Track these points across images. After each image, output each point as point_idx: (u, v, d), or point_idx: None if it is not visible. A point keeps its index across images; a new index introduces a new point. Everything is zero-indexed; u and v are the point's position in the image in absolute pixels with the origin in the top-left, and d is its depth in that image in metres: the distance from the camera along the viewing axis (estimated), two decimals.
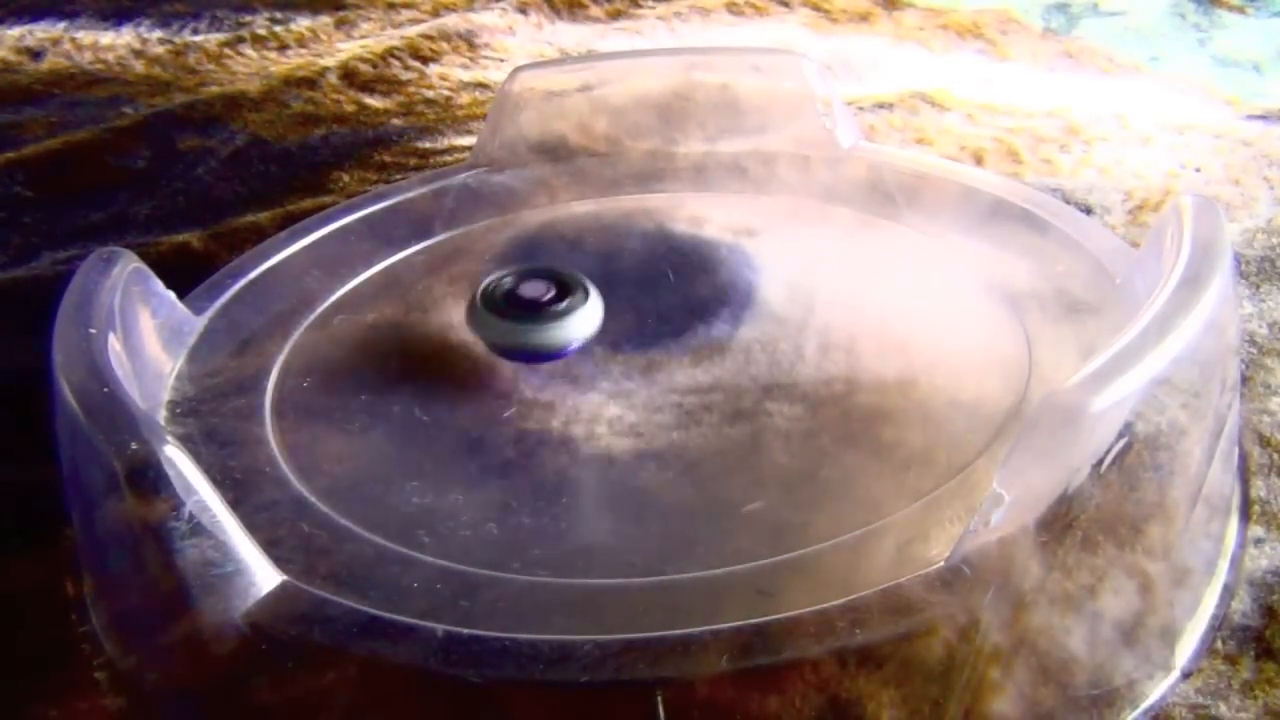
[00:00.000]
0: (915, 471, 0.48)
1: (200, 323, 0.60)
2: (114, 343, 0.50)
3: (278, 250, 0.65)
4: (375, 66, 1.02)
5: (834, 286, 0.59)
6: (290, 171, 0.86)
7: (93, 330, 0.50)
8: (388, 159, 0.87)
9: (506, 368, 0.56)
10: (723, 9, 1.12)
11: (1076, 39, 1.03)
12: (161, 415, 0.54)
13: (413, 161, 0.86)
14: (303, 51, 1.08)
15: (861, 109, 0.86)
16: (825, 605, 0.39)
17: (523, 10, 1.12)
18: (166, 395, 0.55)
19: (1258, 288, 0.65)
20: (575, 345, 0.55)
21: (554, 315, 0.54)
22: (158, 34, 1.13)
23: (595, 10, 1.13)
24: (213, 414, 0.54)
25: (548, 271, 0.57)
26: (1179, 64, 0.97)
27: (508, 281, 0.56)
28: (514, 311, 0.55)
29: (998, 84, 0.92)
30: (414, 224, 0.69)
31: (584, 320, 0.55)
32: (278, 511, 0.48)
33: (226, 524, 0.41)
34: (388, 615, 0.41)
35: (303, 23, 1.13)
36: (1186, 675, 0.44)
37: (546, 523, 0.47)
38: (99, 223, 0.81)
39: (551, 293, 0.55)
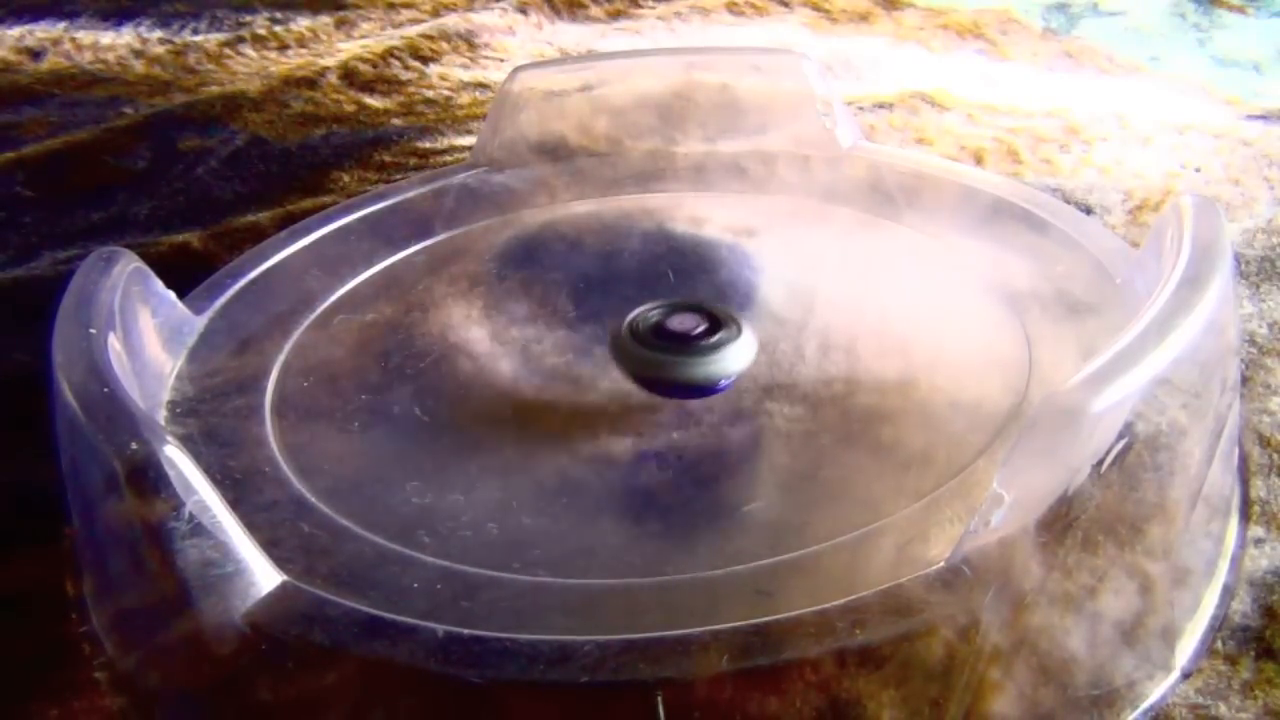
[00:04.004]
0: (915, 471, 0.48)
1: (200, 323, 0.60)
2: (114, 343, 0.50)
3: (278, 250, 0.65)
4: (375, 66, 1.02)
5: (834, 286, 0.59)
6: (290, 171, 0.86)
7: (93, 330, 0.49)
8: (388, 159, 0.87)
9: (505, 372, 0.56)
10: (723, 9, 1.12)
11: (1076, 39, 1.03)
12: (161, 415, 0.54)
13: (413, 161, 0.86)
14: (303, 51, 1.08)
15: (861, 109, 0.86)
16: (825, 605, 0.39)
17: (523, 10, 1.12)
18: (166, 395, 0.55)
19: (1258, 288, 0.65)
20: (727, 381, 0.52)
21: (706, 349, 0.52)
22: (158, 34, 1.13)
23: (595, 10, 1.13)
24: (213, 414, 0.54)
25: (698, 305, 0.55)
26: (1179, 64, 0.97)
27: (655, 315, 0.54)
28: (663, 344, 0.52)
29: (998, 84, 0.92)
30: (414, 224, 0.69)
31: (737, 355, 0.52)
32: (278, 511, 0.48)
33: (226, 524, 0.41)
34: (388, 615, 0.41)
35: (303, 23, 1.13)
36: (1186, 675, 0.44)
37: (546, 523, 0.47)
38: (99, 223, 0.81)
39: (702, 326, 0.53)
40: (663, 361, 0.52)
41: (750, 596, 0.42)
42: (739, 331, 0.53)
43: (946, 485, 0.47)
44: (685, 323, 0.53)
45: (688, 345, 0.52)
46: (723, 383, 0.52)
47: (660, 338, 0.53)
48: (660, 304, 0.54)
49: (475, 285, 0.63)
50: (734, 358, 0.52)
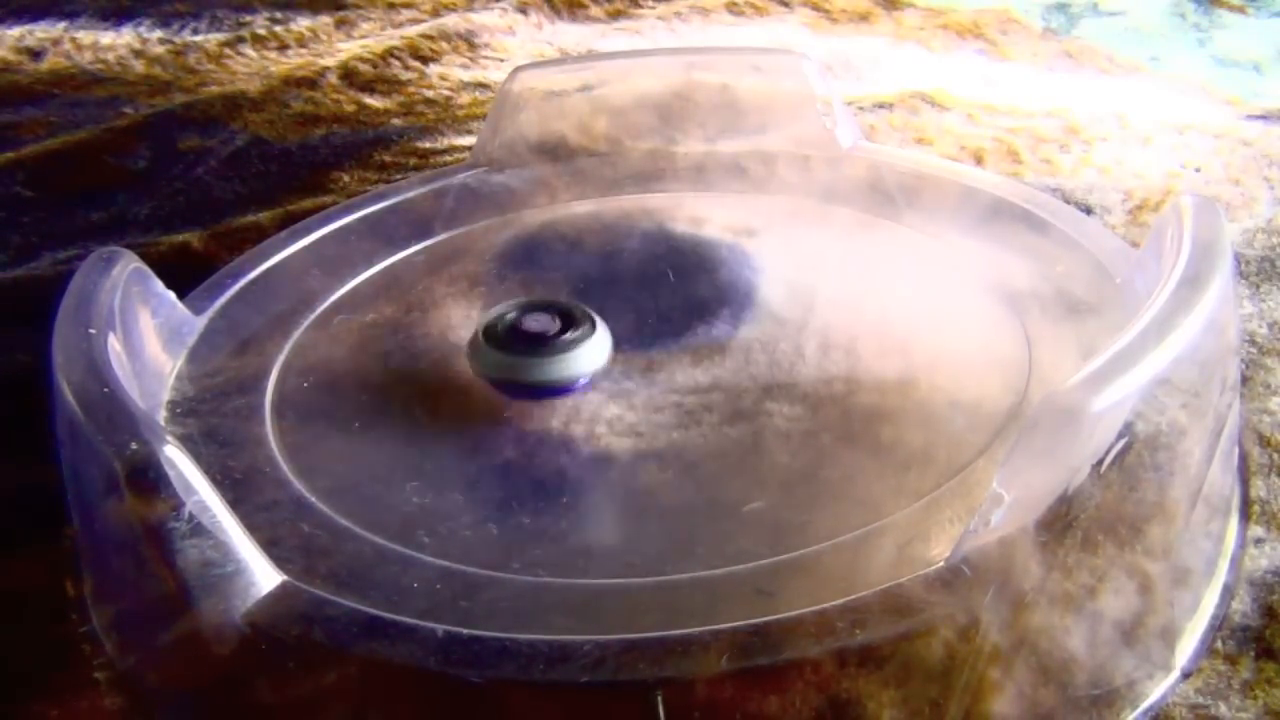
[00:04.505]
0: (915, 471, 0.48)
1: (200, 323, 0.60)
2: (114, 343, 0.50)
3: (278, 250, 0.65)
4: (375, 66, 1.02)
5: (834, 286, 0.59)
6: (290, 171, 0.86)
7: (93, 330, 0.50)
8: (388, 159, 0.87)
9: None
10: (723, 9, 1.12)
11: (1076, 39, 1.03)
12: (161, 415, 0.54)
13: (413, 161, 0.86)
14: (303, 51, 1.08)
15: (861, 109, 0.86)
16: (825, 605, 0.39)
17: (523, 10, 1.12)
18: (166, 395, 0.55)
19: (1258, 288, 0.65)
20: (584, 380, 0.52)
21: (560, 347, 0.52)
22: (158, 34, 1.13)
23: (595, 10, 1.13)
24: (213, 414, 0.54)
25: (552, 304, 0.55)
26: (1179, 64, 0.97)
27: (510, 315, 0.53)
28: (518, 345, 0.52)
29: (998, 84, 0.92)
30: (414, 224, 0.69)
31: (592, 353, 0.52)
32: (278, 511, 0.48)
33: (226, 524, 0.41)
34: (388, 615, 0.41)
35: (303, 23, 1.13)
36: (1186, 675, 0.44)
37: (546, 523, 0.47)
38: (99, 223, 0.81)
39: (557, 325, 0.53)
40: (514, 363, 0.52)
41: (750, 596, 0.42)
42: (593, 329, 0.52)
43: (946, 485, 0.47)
44: (539, 323, 0.53)
45: (541, 346, 0.52)
46: (580, 382, 0.52)
47: (514, 339, 0.52)
48: (514, 304, 0.54)
49: (475, 285, 0.63)
50: (587, 358, 0.52)
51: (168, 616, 0.42)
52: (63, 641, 0.48)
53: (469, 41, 1.06)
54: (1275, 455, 0.54)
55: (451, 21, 1.09)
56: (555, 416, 0.52)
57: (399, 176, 0.82)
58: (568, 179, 0.72)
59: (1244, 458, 0.53)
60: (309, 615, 0.41)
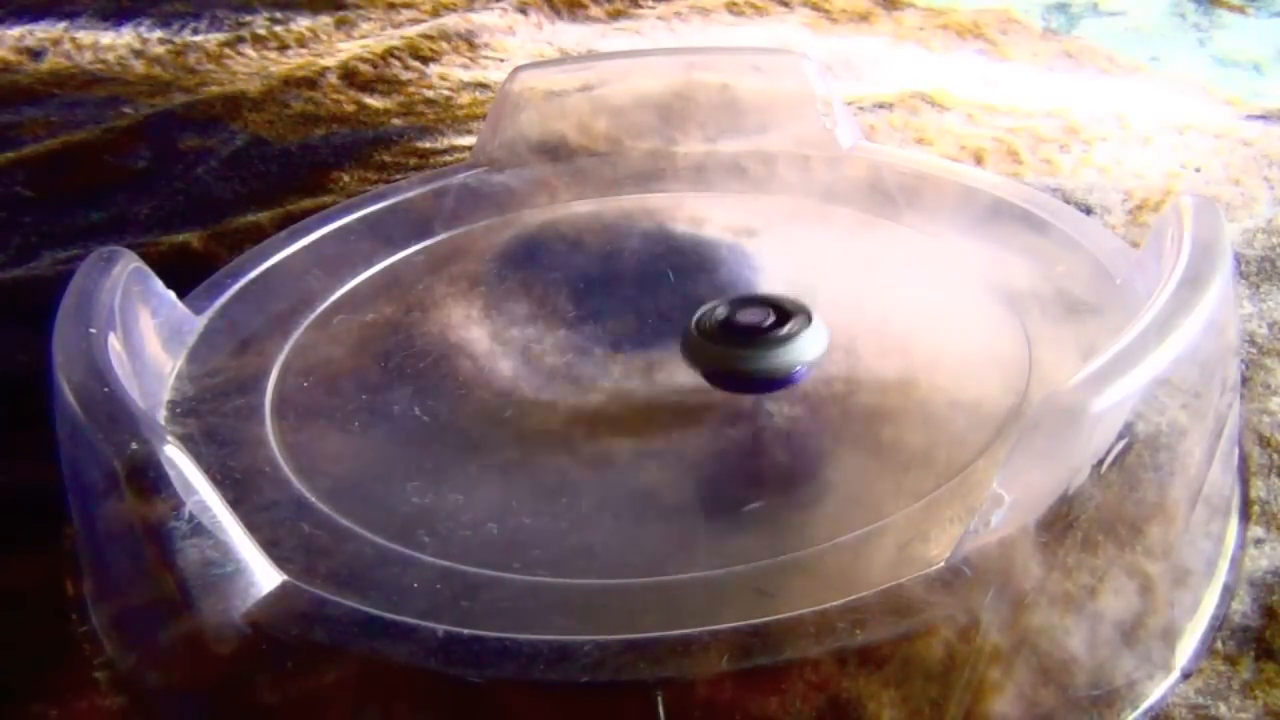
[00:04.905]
0: (915, 471, 0.48)
1: (200, 323, 0.60)
2: (114, 343, 0.50)
3: (278, 250, 0.65)
4: (375, 66, 1.02)
5: (834, 286, 0.59)
6: (290, 171, 0.86)
7: (93, 330, 0.50)
8: (388, 159, 0.87)
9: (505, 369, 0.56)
10: (723, 9, 1.12)
11: (1076, 39, 1.03)
12: (161, 415, 0.54)
13: (413, 161, 0.86)
14: (303, 51, 1.08)
15: (861, 109, 0.86)
16: (825, 605, 0.39)
17: (523, 10, 1.12)
18: (166, 395, 0.55)
19: (1258, 288, 0.65)
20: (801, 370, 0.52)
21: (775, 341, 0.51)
22: (158, 34, 1.13)
23: (595, 10, 1.13)
24: (213, 414, 0.54)
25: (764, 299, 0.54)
26: (1179, 64, 0.97)
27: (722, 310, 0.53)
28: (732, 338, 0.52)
29: (998, 84, 0.92)
30: (414, 224, 0.69)
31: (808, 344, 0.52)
32: (278, 511, 0.48)
33: (226, 524, 0.41)
34: (388, 615, 0.41)
35: (303, 23, 1.13)
36: (1186, 676, 0.44)
37: (546, 523, 0.47)
38: (99, 223, 0.81)
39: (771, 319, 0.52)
40: (736, 355, 0.51)
41: (750, 596, 0.42)
42: (808, 321, 0.52)
43: (947, 485, 0.47)
44: (753, 316, 0.52)
45: (758, 337, 0.52)
46: (798, 371, 0.51)
47: (730, 332, 0.52)
48: (724, 300, 0.54)
49: (475, 285, 0.63)
50: (804, 347, 0.51)
51: (168, 616, 0.42)
52: (62, 641, 0.48)
53: (469, 41, 1.06)
54: (1275, 455, 0.54)
55: (451, 21, 1.09)
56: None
57: (399, 176, 0.82)
58: (568, 179, 0.72)
59: (1244, 458, 0.53)
60: (309, 615, 0.41)
